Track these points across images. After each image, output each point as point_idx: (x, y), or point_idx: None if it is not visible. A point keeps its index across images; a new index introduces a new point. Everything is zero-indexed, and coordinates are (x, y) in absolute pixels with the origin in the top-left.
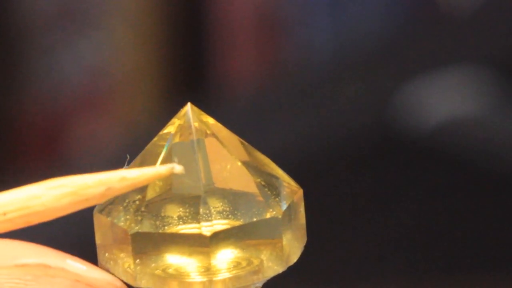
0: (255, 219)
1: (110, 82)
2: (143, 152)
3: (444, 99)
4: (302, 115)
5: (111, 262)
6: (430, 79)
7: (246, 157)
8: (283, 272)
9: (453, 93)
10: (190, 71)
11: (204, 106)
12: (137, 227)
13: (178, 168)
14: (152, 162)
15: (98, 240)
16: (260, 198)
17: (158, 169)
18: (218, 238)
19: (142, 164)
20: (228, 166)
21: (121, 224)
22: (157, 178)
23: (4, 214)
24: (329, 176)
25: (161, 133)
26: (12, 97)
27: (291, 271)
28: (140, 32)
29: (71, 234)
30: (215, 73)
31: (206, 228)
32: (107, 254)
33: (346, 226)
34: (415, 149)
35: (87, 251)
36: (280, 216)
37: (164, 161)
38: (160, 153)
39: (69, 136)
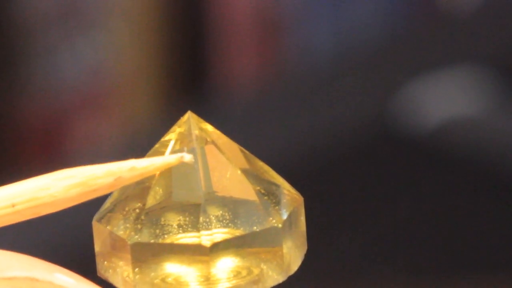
0: (255, 228)
1: (110, 82)
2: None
3: (444, 99)
4: (302, 115)
5: (110, 270)
6: (430, 79)
7: (245, 165)
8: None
9: (453, 93)
10: (190, 71)
11: (204, 106)
12: (136, 236)
13: (187, 157)
14: None
15: (97, 248)
16: (260, 207)
17: (168, 159)
18: (218, 248)
19: None
20: (228, 174)
21: (121, 233)
22: (167, 168)
23: (13, 205)
24: (330, 176)
25: (162, 139)
26: (12, 97)
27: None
28: (140, 32)
29: (71, 240)
30: (215, 73)
31: (206, 237)
32: (106, 262)
33: (345, 226)
34: (415, 149)
35: (87, 257)
36: (280, 225)
37: (164, 170)
38: None
39: (69, 136)
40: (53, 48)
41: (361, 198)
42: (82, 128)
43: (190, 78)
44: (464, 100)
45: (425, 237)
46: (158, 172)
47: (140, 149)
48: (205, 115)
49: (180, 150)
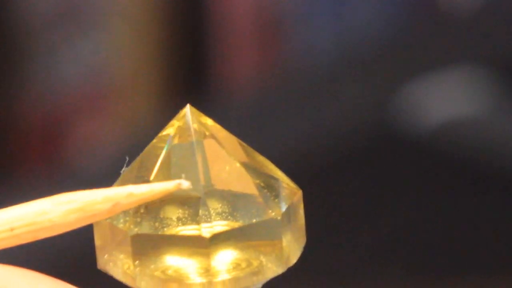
0: (254, 221)
1: (110, 82)
2: (142, 154)
3: (444, 99)
4: (303, 115)
5: (111, 263)
6: (430, 79)
7: (245, 158)
8: (282, 273)
9: (453, 93)
10: (190, 71)
11: (205, 106)
12: (136, 229)
13: (185, 184)
14: (152, 164)
15: (98, 241)
16: (259, 200)
17: (166, 185)
18: (218, 239)
19: (141, 165)
20: (227, 168)
21: (121, 226)
22: (165, 194)
23: (11, 230)
24: (329, 176)
25: (160, 134)
26: (12, 97)
27: (290, 271)
28: (140, 32)
29: (71, 235)
30: (216, 74)
31: (206, 230)
32: (106, 255)
33: (345, 226)
34: (415, 149)
35: (86, 252)
36: (279, 218)
37: (163, 163)
38: (159, 155)
39: (69, 136)
40: (53, 48)
41: (361, 198)
42: (82, 128)
43: (190, 78)
44: (464, 100)
45: (425, 237)
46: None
47: (140, 148)
48: (205, 115)
49: (180, 145)
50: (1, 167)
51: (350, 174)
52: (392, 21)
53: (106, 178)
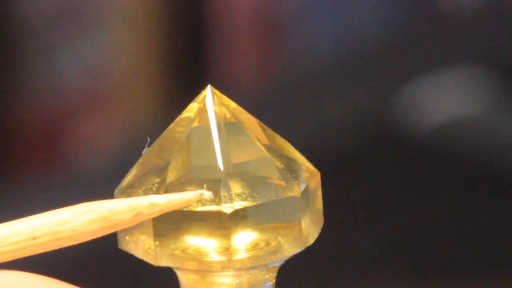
0: (274, 199)
1: (110, 82)
2: (160, 137)
3: (444, 99)
4: (302, 115)
5: (132, 244)
6: (430, 79)
7: (266, 141)
8: (282, 271)
9: (453, 93)
10: (190, 71)
11: None
12: None
13: (207, 194)
14: (171, 148)
15: None
16: (280, 181)
17: (187, 196)
18: (238, 215)
19: (160, 149)
20: (248, 149)
21: None
22: (186, 204)
23: (34, 238)
24: (329, 176)
25: (178, 118)
26: (12, 97)
27: (289, 271)
28: (140, 32)
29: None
30: (216, 73)
31: (227, 209)
32: (127, 237)
33: (345, 226)
34: (415, 149)
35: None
36: (298, 196)
37: (183, 146)
38: (179, 138)
39: (69, 136)
40: (53, 48)
41: (360, 197)
42: (82, 128)
43: (190, 78)
44: (464, 100)
45: (425, 236)
46: (178, 147)
47: (140, 149)
48: None
49: (200, 127)
50: (1, 167)
51: (350, 174)
52: (392, 21)
53: (106, 178)
